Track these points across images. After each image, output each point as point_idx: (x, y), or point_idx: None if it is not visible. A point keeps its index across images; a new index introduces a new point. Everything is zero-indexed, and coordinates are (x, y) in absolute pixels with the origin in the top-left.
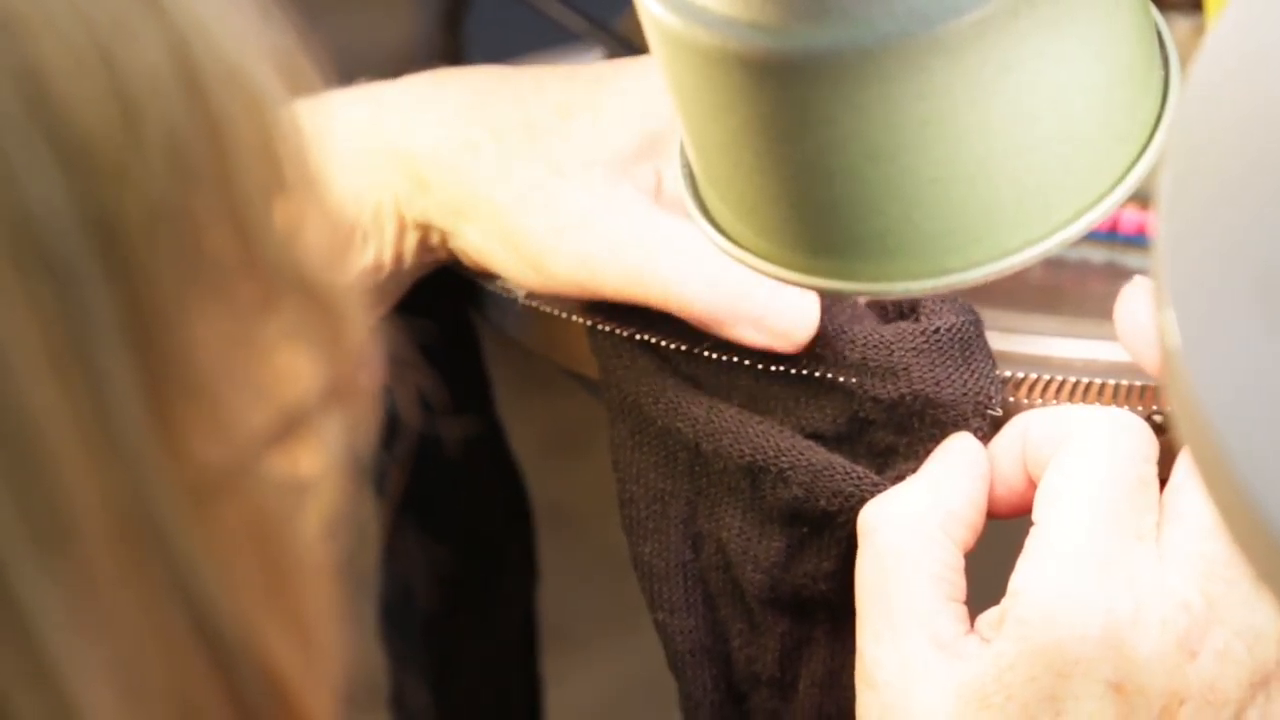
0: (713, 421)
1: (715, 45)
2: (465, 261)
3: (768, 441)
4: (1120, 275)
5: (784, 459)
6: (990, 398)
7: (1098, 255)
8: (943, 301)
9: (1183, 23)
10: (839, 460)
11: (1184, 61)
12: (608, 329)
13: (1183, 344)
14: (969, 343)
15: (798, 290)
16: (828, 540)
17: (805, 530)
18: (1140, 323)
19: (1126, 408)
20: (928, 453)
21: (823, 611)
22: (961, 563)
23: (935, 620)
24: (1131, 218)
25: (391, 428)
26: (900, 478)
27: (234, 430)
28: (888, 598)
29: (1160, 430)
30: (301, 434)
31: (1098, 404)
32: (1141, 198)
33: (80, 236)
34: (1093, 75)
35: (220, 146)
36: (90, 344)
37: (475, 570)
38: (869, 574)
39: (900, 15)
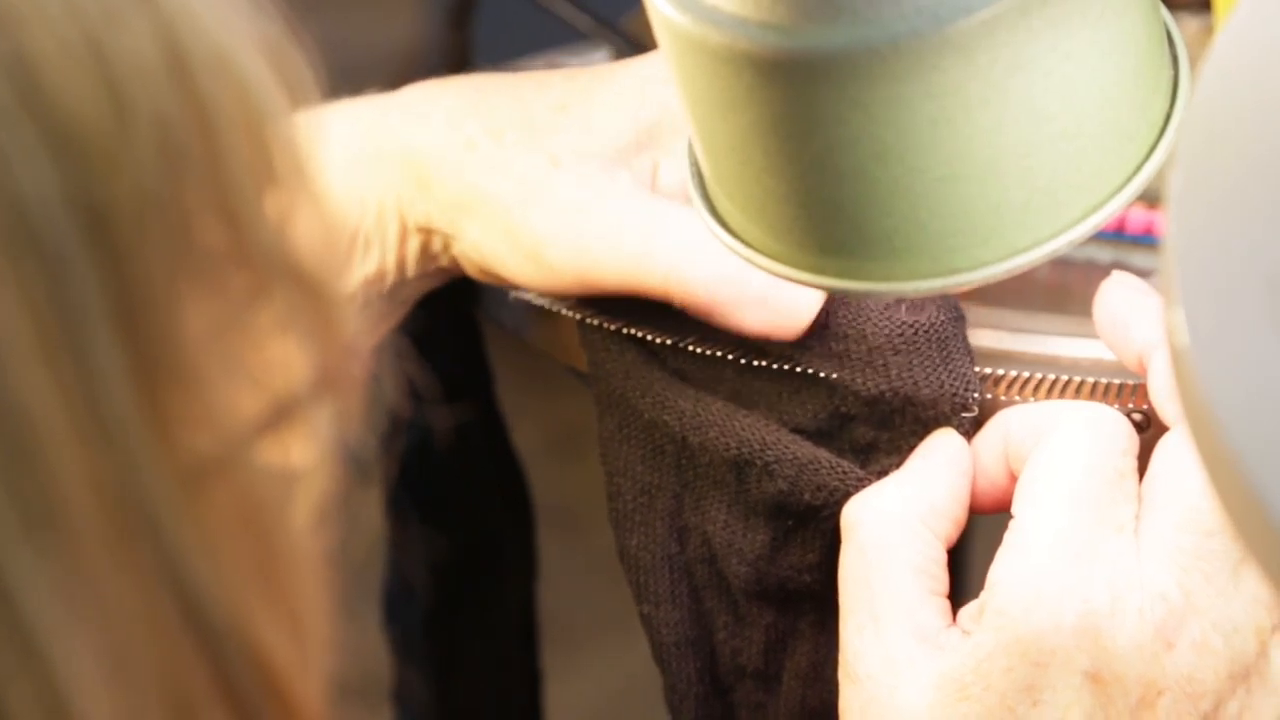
0: (699, 415)
1: (725, 44)
2: (467, 267)
3: (753, 435)
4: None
5: (769, 452)
6: (968, 397)
7: (1105, 255)
8: (926, 297)
9: (1192, 22)
10: (824, 454)
11: (1193, 61)
12: (596, 322)
13: (1191, 343)
14: (947, 340)
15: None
16: (812, 533)
17: (790, 523)
18: (1118, 317)
19: (1132, 406)
20: (910, 448)
21: (807, 604)
22: (944, 557)
23: (917, 613)
24: (1139, 217)
25: (394, 420)
26: (883, 473)
27: (224, 418)
28: (871, 591)
29: (1141, 427)
30: (292, 423)
31: (1102, 402)
32: (1148, 197)
33: (71, 224)
34: (1102, 74)
35: (210, 136)
36: (81, 331)
37: (475, 563)
38: (852, 568)
39: (910, 14)
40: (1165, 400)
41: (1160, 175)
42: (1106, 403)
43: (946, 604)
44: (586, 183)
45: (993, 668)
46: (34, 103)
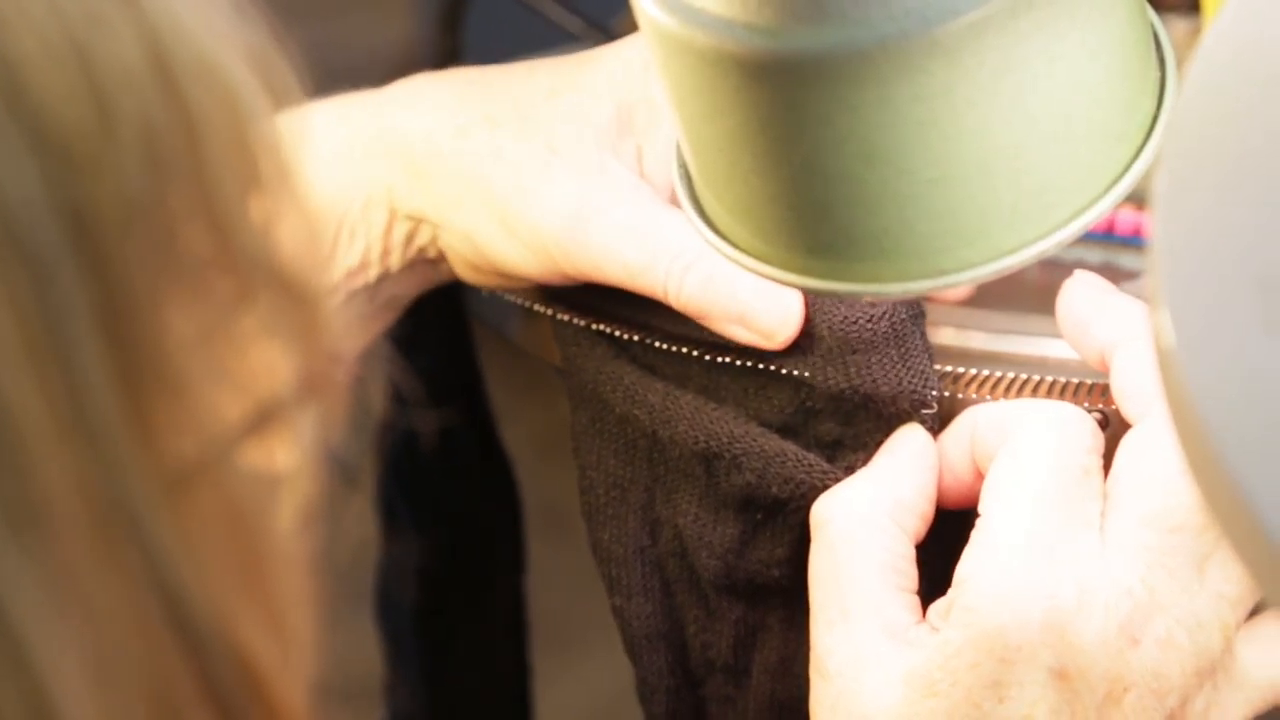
0: (668, 409)
1: (712, 46)
2: (453, 259)
3: (721, 428)
4: (1117, 276)
5: (737, 445)
6: (926, 394)
7: (1094, 256)
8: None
9: (1180, 24)
10: (790, 447)
11: (1181, 62)
12: (567, 318)
13: (1178, 344)
14: (906, 338)
15: (784, 289)
16: (780, 527)
17: (759, 517)
18: (1079, 316)
19: (1088, 405)
20: (875, 444)
21: (776, 598)
22: (913, 553)
23: (886, 609)
24: (1127, 218)
25: (384, 420)
26: (850, 468)
27: (208, 422)
28: (840, 588)
29: (1102, 425)
30: (275, 426)
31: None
32: (1137, 198)
33: (55, 227)
34: (1090, 76)
35: (194, 140)
36: (65, 333)
37: (465, 561)
38: (821, 564)
39: (898, 16)
40: (1126, 398)
41: (1149, 176)
42: (1075, 401)
43: (915, 600)
44: (584, 175)
45: (960, 664)
46: (18, 106)
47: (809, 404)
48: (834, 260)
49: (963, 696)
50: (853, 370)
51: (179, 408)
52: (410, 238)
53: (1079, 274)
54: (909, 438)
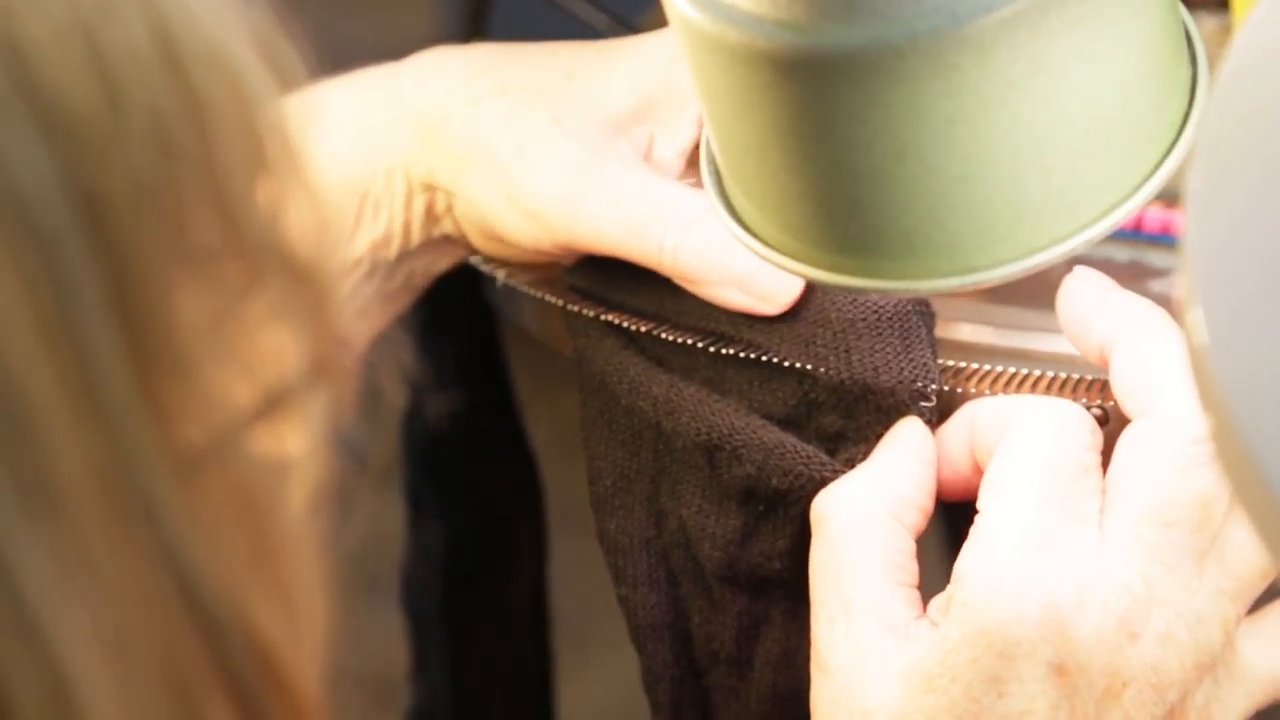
0: (672, 400)
1: (743, 43)
2: (468, 230)
3: (723, 420)
4: (1145, 273)
5: (738, 437)
6: (926, 386)
7: (1122, 254)
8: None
9: (1210, 21)
10: (790, 439)
11: (1212, 60)
12: (577, 308)
13: (1210, 342)
14: (910, 329)
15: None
16: (781, 519)
17: (761, 509)
18: (1080, 312)
19: (1086, 401)
20: (876, 437)
21: (779, 591)
22: (913, 547)
23: (887, 605)
24: (1156, 216)
25: (409, 406)
26: (850, 461)
27: (219, 405)
28: (840, 584)
29: (1101, 422)
30: (286, 410)
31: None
32: (1166, 196)
33: (65, 210)
34: (1121, 73)
35: (202, 124)
36: (76, 315)
37: (488, 547)
38: (822, 560)
39: (929, 12)
40: (1125, 394)
41: (1178, 174)
42: (1075, 397)
43: (916, 594)
44: (587, 146)
45: (958, 660)
46: (28, 90)
47: (811, 396)
48: (864, 258)
49: (962, 692)
50: (854, 359)
51: (190, 391)
52: (429, 210)
53: (1079, 270)
54: (907, 431)
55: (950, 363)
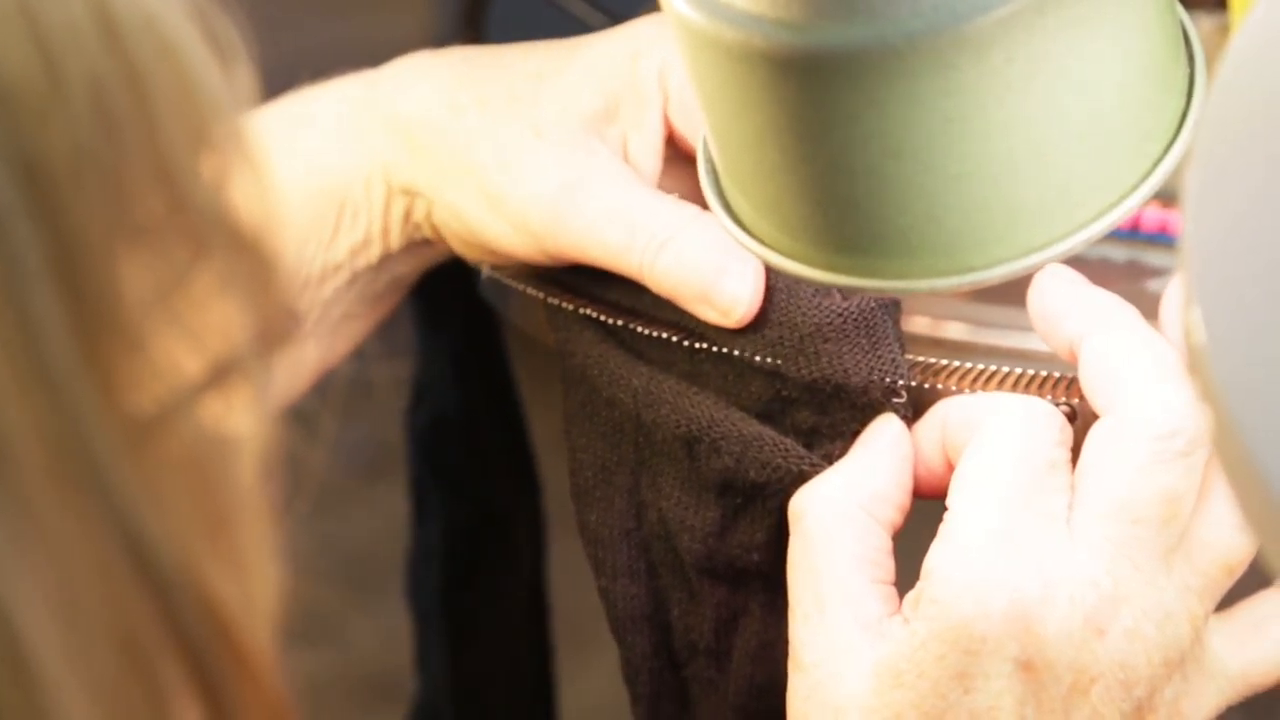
0: (651, 392)
1: (740, 42)
2: (448, 236)
3: (701, 412)
4: (1142, 273)
5: (716, 429)
6: (897, 381)
7: (1119, 254)
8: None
9: (1208, 21)
10: (768, 432)
11: (1209, 60)
12: (558, 301)
13: (1209, 342)
14: (876, 327)
15: (744, 269)
16: (759, 512)
17: (739, 501)
18: (1050, 308)
19: (1051, 398)
20: (852, 433)
21: (757, 583)
22: (889, 544)
23: (861, 602)
24: (1153, 216)
25: (414, 397)
26: (827, 456)
27: (167, 375)
28: (816, 581)
29: (1072, 419)
30: (235, 380)
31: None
32: (1163, 196)
33: (6, 179)
34: (1118, 73)
35: (141, 95)
36: (18, 283)
37: (486, 541)
38: (798, 558)
39: (926, 12)
40: (1094, 390)
41: (1175, 174)
42: (1047, 394)
43: (892, 591)
44: (569, 157)
45: (926, 655)
46: None
47: (784, 393)
48: (861, 257)
49: (929, 688)
50: (824, 360)
51: (138, 360)
52: (407, 215)
53: (1050, 266)
54: (884, 428)
55: (922, 359)
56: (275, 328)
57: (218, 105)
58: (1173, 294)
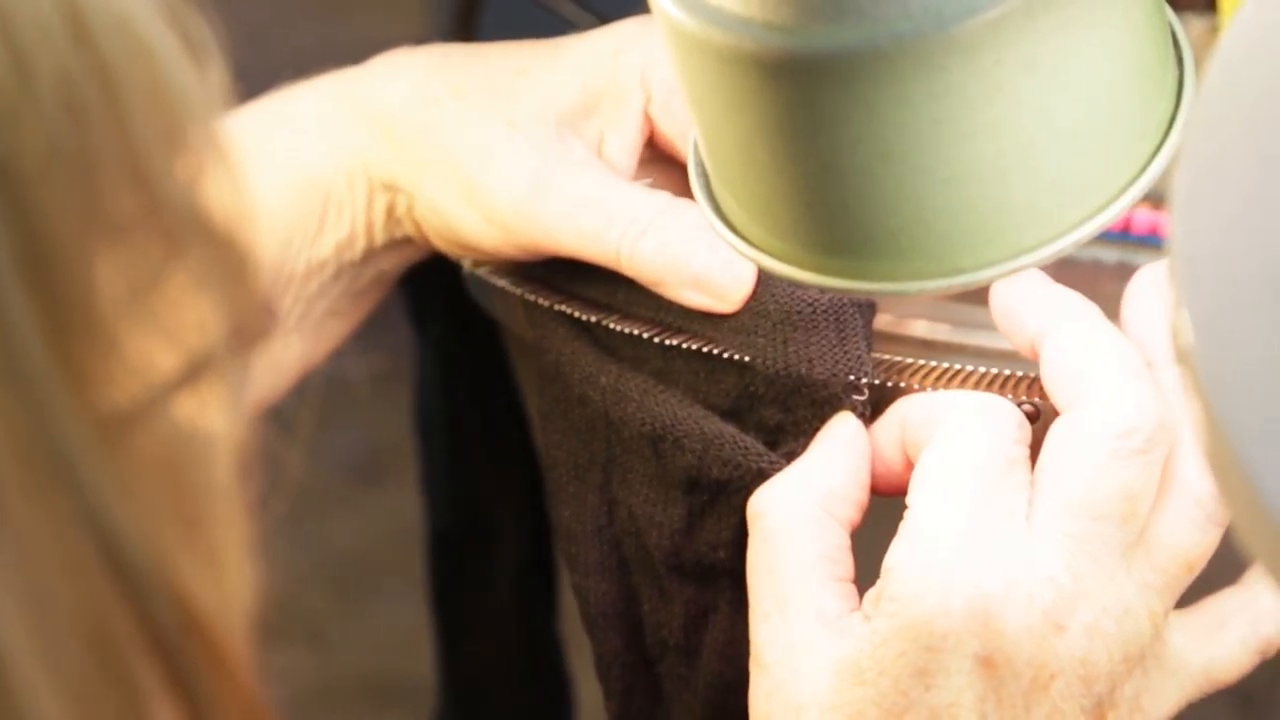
0: (619, 390)
1: (730, 45)
2: (429, 232)
3: (666, 410)
4: (1132, 275)
5: (680, 427)
6: (859, 378)
7: (1110, 255)
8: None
9: (1197, 23)
10: (730, 430)
11: (1199, 61)
12: (533, 297)
13: (1197, 344)
14: (845, 321)
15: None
16: (724, 509)
17: (705, 498)
18: (1011, 305)
19: (1019, 398)
20: (814, 431)
21: (725, 580)
22: (847, 542)
23: (820, 599)
24: (1144, 218)
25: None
26: (790, 455)
27: (141, 372)
28: (775, 579)
29: (1032, 418)
30: (210, 377)
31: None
32: (1154, 198)
33: None
34: (1107, 75)
35: (112, 94)
36: None
37: (469, 539)
38: (758, 556)
39: (915, 14)
40: (1054, 386)
41: (1166, 176)
42: (1013, 392)
43: (851, 588)
44: (543, 150)
45: (887, 653)
46: None
47: (752, 389)
48: (851, 259)
49: (890, 685)
50: (790, 350)
51: (110, 358)
52: (390, 211)
53: None
54: (841, 426)
55: (886, 356)
56: (251, 326)
57: (191, 104)
58: (1133, 291)
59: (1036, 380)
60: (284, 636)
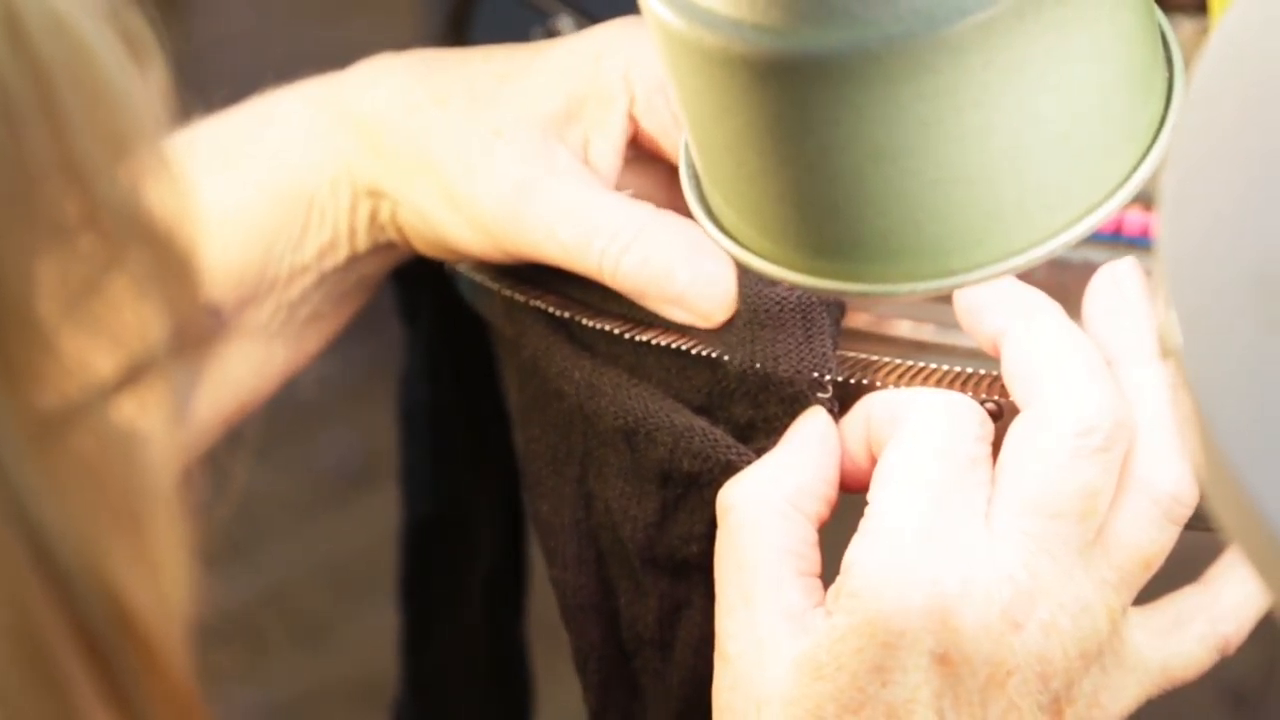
0: (593, 384)
1: (720, 47)
2: (412, 236)
3: (638, 404)
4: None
5: (651, 420)
6: (824, 374)
7: (1102, 257)
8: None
9: (1187, 25)
10: (700, 423)
11: (1188, 63)
12: (509, 293)
13: (1184, 344)
14: (812, 319)
15: (718, 269)
16: (696, 503)
17: (679, 492)
18: (973, 302)
19: (984, 396)
20: (784, 428)
21: (697, 575)
22: (814, 537)
23: (785, 594)
24: (1136, 219)
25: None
26: (761, 451)
27: (78, 374)
28: (741, 573)
29: (997, 416)
30: (150, 380)
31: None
32: (1145, 199)
33: None
34: (1097, 77)
35: (48, 95)
36: None
37: (443, 536)
38: (725, 550)
39: (905, 16)
40: (1015, 384)
41: (1158, 177)
42: (979, 391)
43: (816, 583)
44: (527, 157)
45: (845, 649)
46: None
47: (723, 385)
48: (842, 260)
49: (848, 680)
50: (758, 348)
51: (47, 358)
52: (373, 216)
53: None
54: (810, 422)
55: (852, 354)
56: (194, 329)
57: (132, 106)
58: (1093, 289)
59: (1000, 378)
60: (283, 638)
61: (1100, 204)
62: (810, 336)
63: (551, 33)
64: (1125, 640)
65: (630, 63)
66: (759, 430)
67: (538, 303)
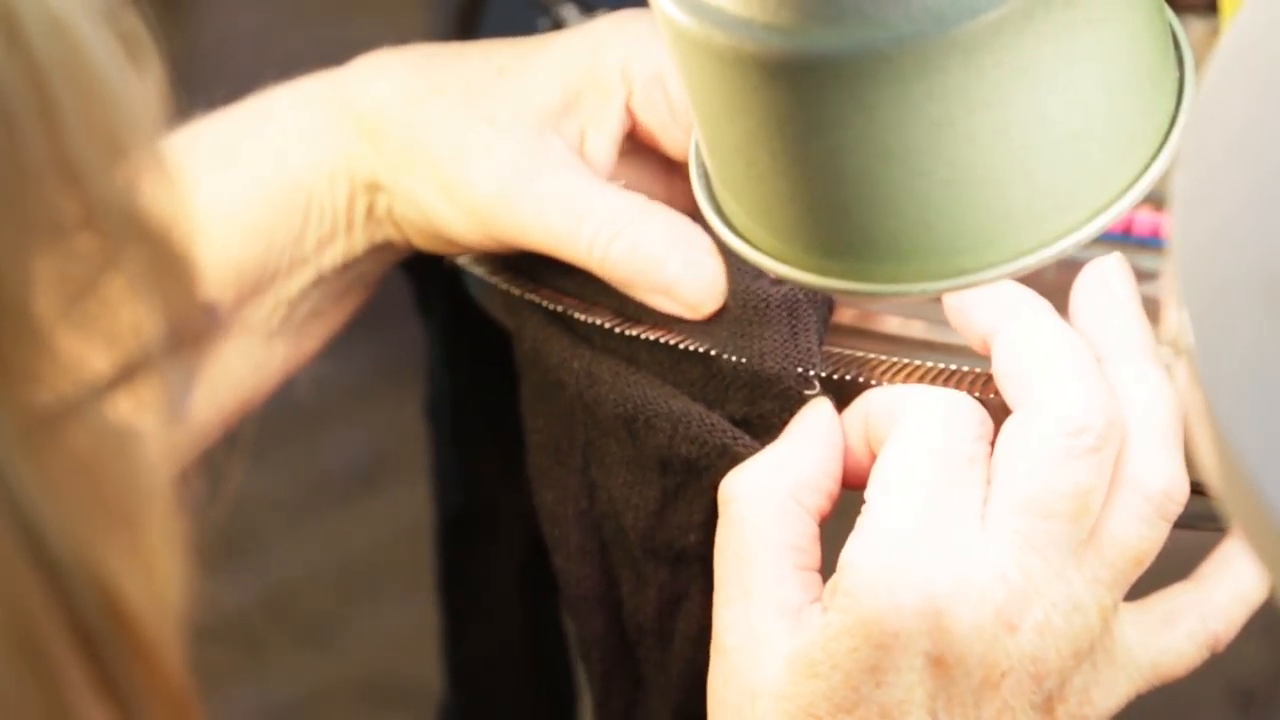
0: (592, 373)
1: (731, 47)
2: (409, 230)
3: (637, 390)
4: (1135, 277)
5: (650, 407)
6: (809, 370)
7: None
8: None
9: (1198, 25)
10: (697, 408)
11: (1199, 63)
12: (507, 287)
13: (1196, 344)
14: (799, 316)
15: (708, 260)
16: (695, 491)
17: (678, 480)
18: (962, 300)
19: (979, 395)
20: (781, 424)
21: (697, 566)
22: (815, 531)
23: (784, 589)
24: (1146, 219)
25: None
26: (758, 445)
27: (73, 372)
28: (741, 565)
29: (994, 414)
30: (146, 378)
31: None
32: (1156, 199)
33: None
34: (1108, 77)
35: (44, 95)
36: None
37: (471, 529)
38: (724, 542)
39: (916, 16)
40: (1006, 383)
41: (1168, 177)
42: (973, 389)
43: (816, 578)
44: (521, 147)
45: (839, 648)
46: None
47: (717, 381)
48: (853, 261)
49: (841, 680)
50: (744, 343)
51: (43, 358)
52: (370, 211)
53: None
54: (813, 415)
55: (847, 351)
56: (190, 327)
57: (128, 106)
58: (1081, 286)
59: (990, 376)
60: (284, 639)
61: (1111, 204)
62: (796, 332)
63: (557, 23)
64: (1116, 637)
65: (628, 56)
66: (755, 426)
67: (532, 296)
